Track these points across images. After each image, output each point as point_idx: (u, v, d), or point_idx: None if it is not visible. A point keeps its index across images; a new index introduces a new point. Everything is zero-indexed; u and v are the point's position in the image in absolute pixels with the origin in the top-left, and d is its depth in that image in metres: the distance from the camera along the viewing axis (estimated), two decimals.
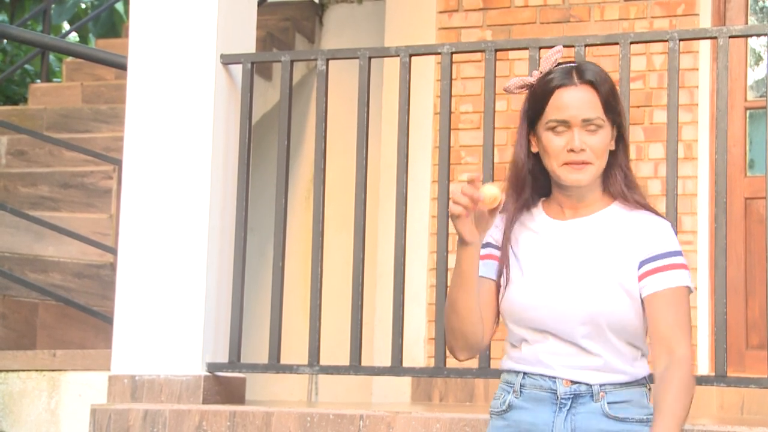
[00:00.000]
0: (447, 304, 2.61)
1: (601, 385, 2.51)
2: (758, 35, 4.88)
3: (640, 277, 2.53)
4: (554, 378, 2.53)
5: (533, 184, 2.63)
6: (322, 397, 6.30)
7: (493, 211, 2.50)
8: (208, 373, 3.93)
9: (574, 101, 2.53)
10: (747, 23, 5.58)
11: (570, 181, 2.53)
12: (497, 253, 2.63)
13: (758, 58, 5.69)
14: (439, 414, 3.54)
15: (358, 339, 3.86)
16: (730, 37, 3.61)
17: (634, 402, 2.53)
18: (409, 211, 4.06)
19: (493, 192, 2.45)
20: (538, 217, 2.62)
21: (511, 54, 5.52)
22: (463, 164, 5.77)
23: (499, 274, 2.62)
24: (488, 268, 2.63)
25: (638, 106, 5.49)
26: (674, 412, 2.43)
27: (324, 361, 3.93)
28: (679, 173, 5.04)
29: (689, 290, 2.55)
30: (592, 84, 2.54)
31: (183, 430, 3.73)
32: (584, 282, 2.51)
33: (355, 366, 3.86)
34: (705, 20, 5.52)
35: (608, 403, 2.50)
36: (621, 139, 2.60)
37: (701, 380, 3.72)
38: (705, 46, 5.46)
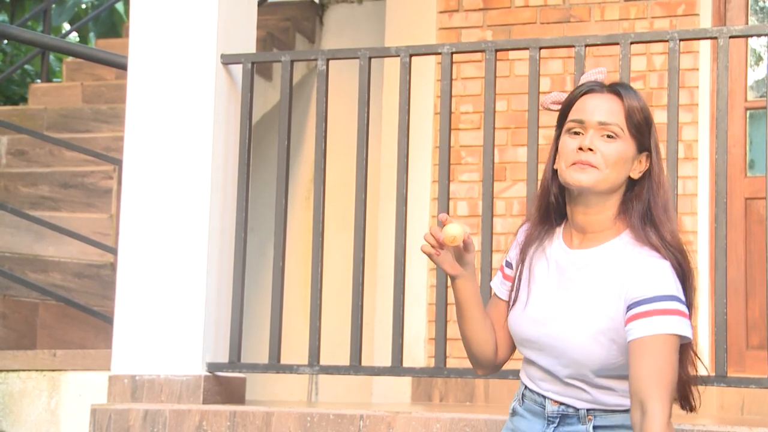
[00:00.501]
0: (461, 334, 2.65)
1: (588, 410, 2.52)
2: (758, 35, 4.87)
3: (626, 322, 2.41)
4: (544, 397, 2.56)
5: (557, 205, 2.57)
6: (322, 397, 6.30)
7: (467, 247, 2.52)
8: (208, 373, 3.93)
9: (596, 105, 2.49)
10: (747, 23, 5.58)
11: (573, 181, 2.46)
12: (512, 273, 2.64)
13: (758, 59, 5.69)
14: (440, 414, 3.54)
15: (359, 339, 3.86)
16: (730, 37, 3.61)
17: (626, 427, 2.50)
18: (410, 211, 4.06)
19: (454, 232, 2.46)
20: (555, 241, 2.58)
21: (512, 54, 5.52)
22: (463, 164, 5.77)
23: (509, 294, 2.64)
24: (504, 288, 2.66)
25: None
26: None
27: (324, 361, 3.93)
28: (680, 173, 5.05)
29: (680, 338, 2.39)
30: (618, 95, 2.50)
31: (183, 430, 3.73)
32: (571, 329, 2.47)
33: (356, 366, 3.86)
34: (705, 20, 5.51)
35: (595, 426, 2.50)
36: (651, 174, 2.51)
37: (702, 380, 3.71)
38: (705, 46, 5.46)
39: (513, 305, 2.59)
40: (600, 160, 2.45)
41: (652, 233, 2.46)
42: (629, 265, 2.44)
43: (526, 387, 2.60)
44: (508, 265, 2.66)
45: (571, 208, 2.53)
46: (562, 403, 2.53)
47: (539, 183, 2.61)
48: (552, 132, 2.61)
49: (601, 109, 2.48)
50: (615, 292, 2.44)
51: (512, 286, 2.61)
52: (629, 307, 2.41)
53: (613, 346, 2.44)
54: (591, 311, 2.46)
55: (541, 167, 2.76)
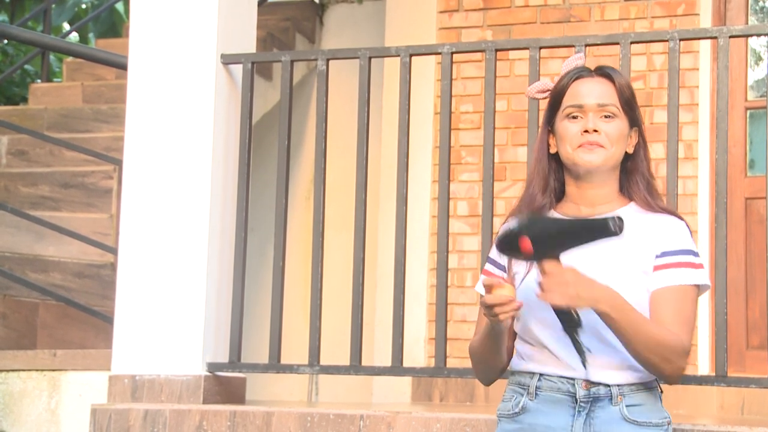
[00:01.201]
0: (474, 353, 2.64)
1: (619, 387, 2.50)
2: (758, 35, 4.88)
3: (654, 269, 2.55)
4: (573, 380, 2.52)
5: (555, 187, 2.67)
6: (323, 397, 6.30)
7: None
8: (208, 373, 3.93)
9: (590, 89, 2.61)
10: (747, 23, 5.58)
11: (583, 162, 2.58)
12: (497, 271, 2.65)
13: (758, 58, 5.69)
14: (440, 414, 3.53)
15: (359, 339, 3.86)
16: (730, 37, 3.61)
17: (649, 405, 2.53)
18: (410, 211, 4.06)
19: (508, 292, 2.42)
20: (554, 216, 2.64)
21: (512, 54, 5.52)
22: (463, 164, 5.77)
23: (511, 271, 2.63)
24: None
25: (638, 106, 5.49)
26: (637, 317, 2.44)
27: (324, 361, 3.93)
28: (680, 173, 5.03)
29: (700, 289, 2.57)
30: (608, 77, 2.63)
31: (183, 430, 3.73)
32: (608, 269, 2.52)
33: (356, 366, 3.86)
34: (705, 20, 5.51)
35: (626, 406, 2.50)
36: (641, 146, 2.65)
37: (701, 380, 3.72)
38: (705, 46, 5.46)
39: (525, 275, 2.57)
40: (605, 139, 2.59)
41: (658, 201, 2.63)
42: (655, 224, 2.59)
43: (541, 376, 2.54)
44: (499, 266, 2.66)
45: (577, 185, 2.63)
46: (592, 384, 2.50)
47: (534, 169, 2.69)
48: None
49: (595, 92, 2.61)
50: (643, 244, 2.56)
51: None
52: (657, 257, 2.55)
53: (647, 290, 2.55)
54: (626, 254, 2.54)
55: None
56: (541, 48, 3.81)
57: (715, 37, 3.65)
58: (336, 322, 4.71)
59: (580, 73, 2.64)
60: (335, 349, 4.43)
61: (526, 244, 2.37)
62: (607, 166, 2.59)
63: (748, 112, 5.55)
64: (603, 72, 2.64)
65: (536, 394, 2.54)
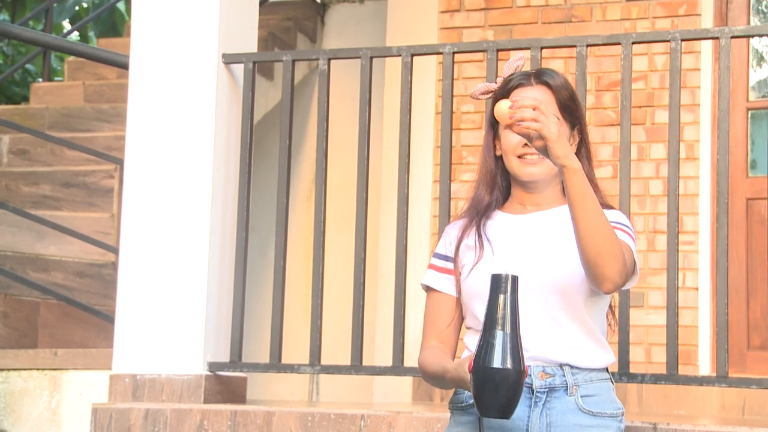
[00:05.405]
0: (423, 373, 2.62)
1: (573, 374, 2.53)
2: (760, 35, 4.88)
3: None
4: (528, 367, 2.52)
5: (502, 186, 2.72)
6: (323, 396, 6.30)
7: None
8: (209, 373, 3.93)
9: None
10: (749, 23, 5.58)
11: (524, 175, 2.63)
12: (451, 265, 2.67)
13: (760, 59, 5.69)
14: (440, 414, 3.54)
15: (360, 339, 3.86)
16: (732, 37, 3.61)
17: (603, 396, 2.57)
18: (411, 210, 4.06)
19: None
20: (497, 216, 2.69)
21: (513, 54, 5.51)
22: (464, 164, 5.77)
23: (457, 281, 2.65)
24: (449, 282, 2.67)
25: (640, 107, 5.50)
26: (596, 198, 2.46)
27: (325, 360, 3.93)
28: (681, 173, 5.05)
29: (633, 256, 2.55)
30: (547, 84, 2.65)
31: (184, 429, 3.73)
32: (555, 255, 2.56)
33: (357, 366, 3.86)
34: (707, 20, 5.52)
35: (581, 396, 2.53)
36: (582, 144, 2.69)
37: (702, 380, 3.72)
38: (707, 46, 5.46)
39: (474, 265, 2.61)
40: None
41: (600, 198, 2.61)
42: None
43: None
44: (446, 258, 2.68)
45: (522, 189, 2.67)
46: (548, 374, 2.52)
47: (480, 170, 2.74)
48: None
49: None
50: None
51: (475, 248, 2.63)
52: None
53: None
54: (570, 241, 2.52)
55: None
56: (542, 48, 3.81)
57: (717, 38, 3.65)
58: (337, 321, 4.71)
59: (520, 81, 2.66)
60: (336, 349, 4.43)
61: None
62: (549, 176, 2.64)
63: (750, 112, 5.55)
64: (542, 80, 2.66)
65: None
